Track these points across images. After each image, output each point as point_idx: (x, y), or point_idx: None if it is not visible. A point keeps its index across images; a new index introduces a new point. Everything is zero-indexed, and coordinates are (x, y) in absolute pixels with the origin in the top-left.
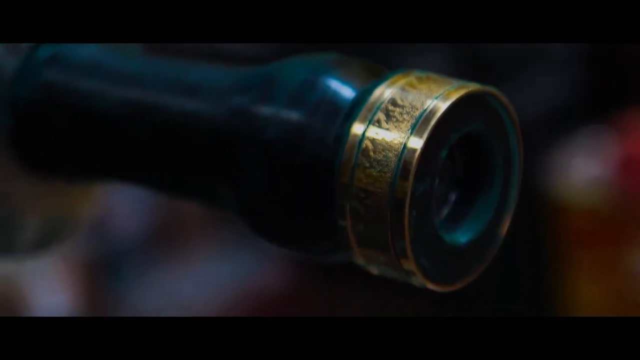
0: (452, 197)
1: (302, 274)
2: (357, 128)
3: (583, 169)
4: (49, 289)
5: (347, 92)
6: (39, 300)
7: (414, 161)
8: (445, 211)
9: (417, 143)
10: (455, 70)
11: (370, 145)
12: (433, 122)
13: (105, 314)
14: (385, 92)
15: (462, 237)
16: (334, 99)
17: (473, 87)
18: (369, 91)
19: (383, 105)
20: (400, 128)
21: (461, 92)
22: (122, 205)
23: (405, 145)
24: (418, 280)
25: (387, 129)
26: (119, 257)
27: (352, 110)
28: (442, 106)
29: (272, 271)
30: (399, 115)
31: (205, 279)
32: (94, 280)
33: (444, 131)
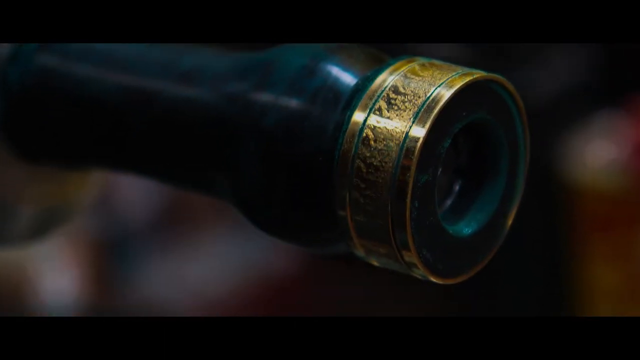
0: (456, 187)
1: (312, 256)
2: (358, 116)
3: (598, 153)
4: (55, 271)
5: (347, 79)
6: (45, 282)
7: (416, 151)
8: (448, 202)
9: (419, 132)
10: (468, 52)
11: (371, 134)
12: (436, 110)
13: (112, 297)
14: (387, 79)
15: (466, 228)
16: (334, 86)
17: (478, 74)
18: (371, 78)
19: (384, 93)
20: (402, 117)
21: (465, 80)
22: (130, 186)
23: (407, 134)
24: (420, 272)
25: (389, 118)
26: (126, 239)
27: (353, 98)
28: (446, 94)
29: (282, 254)
30: (401, 104)
31: (214, 261)
32: (101, 263)
33: (448, 120)
